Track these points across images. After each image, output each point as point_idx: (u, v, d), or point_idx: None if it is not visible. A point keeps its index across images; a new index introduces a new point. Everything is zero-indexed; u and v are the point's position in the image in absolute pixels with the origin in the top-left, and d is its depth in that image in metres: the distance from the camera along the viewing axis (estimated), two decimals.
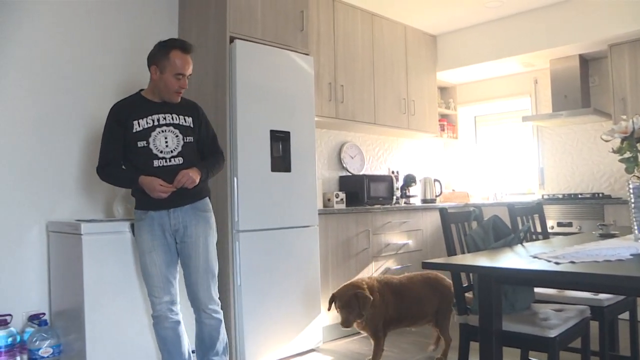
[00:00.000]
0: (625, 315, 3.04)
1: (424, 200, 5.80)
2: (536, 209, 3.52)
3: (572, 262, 1.99)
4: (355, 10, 4.98)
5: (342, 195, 4.74)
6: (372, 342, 3.36)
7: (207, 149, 3.03)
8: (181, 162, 2.84)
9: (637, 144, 2.53)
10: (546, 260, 2.07)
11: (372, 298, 3.21)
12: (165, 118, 2.86)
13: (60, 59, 3.47)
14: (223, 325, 2.98)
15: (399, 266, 4.75)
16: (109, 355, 2.97)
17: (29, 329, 3.15)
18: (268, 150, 3.72)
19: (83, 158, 3.52)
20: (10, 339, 3.04)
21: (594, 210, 4.83)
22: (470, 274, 2.66)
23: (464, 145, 6.59)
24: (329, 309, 3.32)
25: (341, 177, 5.19)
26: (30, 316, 3.21)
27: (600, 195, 5.11)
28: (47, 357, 3.04)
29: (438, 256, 4.57)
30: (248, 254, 3.56)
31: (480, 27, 5.67)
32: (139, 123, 2.82)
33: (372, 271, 4.52)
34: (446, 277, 3.53)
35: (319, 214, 4.05)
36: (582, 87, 5.34)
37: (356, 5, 4.97)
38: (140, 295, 3.10)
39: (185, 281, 2.91)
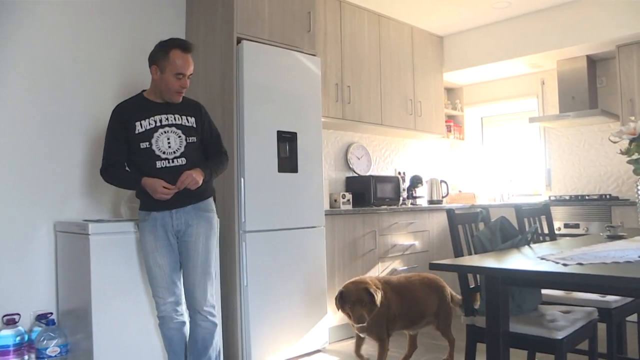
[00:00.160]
0: (633, 317, 3.04)
1: (431, 201, 5.80)
2: (543, 210, 3.51)
3: (580, 264, 1.98)
4: (362, 11, 4.98)
5: (349, 196, 4.74)
6: (376, 343, 3.30)
7: (211, 148, 3.01)
8: (184, 162, 2.82)
9: None
10: (554, 261, 2.06)
11: (380, 292, 3.17)
12: (167, 119, 2.84)
13: (64, 60, 3.49)
14: (218, 331, 2.93)
15: (406, 267, 4.74)
16: (115, 354, 2.98)
17: (37, 328, 3.17)
18: (275, 151, 3.73)
19: (88, 159, 3.53)
20: (18, 338, 3.06)
21: (601, 211, 4.81)
22: (478, 275, 2.65)
23: (470, 146, 6.57)
24: (338, 307, 3.20)
25: (348, 178, 5.19)
26: (38, 315, 3.22)
27: (608, 196, 5.09)
28: (55, 356, 3.05)
29: (444, 257, 4.56)
30: (255, 254, 3.56)
31: (487, 27, 5.66)
32: (141, 124, 2.80)
33: (378, 272, 4.52)
34: (442, 279, 3.53)
35: (325, 214, 4.05)
36: (590, 88, 5.32)
37: (363, 6, 4.97)
38: (147, 295, 3.11)
39: (183, 281, 2.89)
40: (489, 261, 2.25)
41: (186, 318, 2.92)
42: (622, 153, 2.63)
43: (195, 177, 2.76)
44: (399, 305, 3.29)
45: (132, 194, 3.12)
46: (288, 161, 3.81)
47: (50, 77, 3.43)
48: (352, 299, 3.09)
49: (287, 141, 3.81)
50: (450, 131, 6.27)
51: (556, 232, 3.86)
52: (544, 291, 2.81)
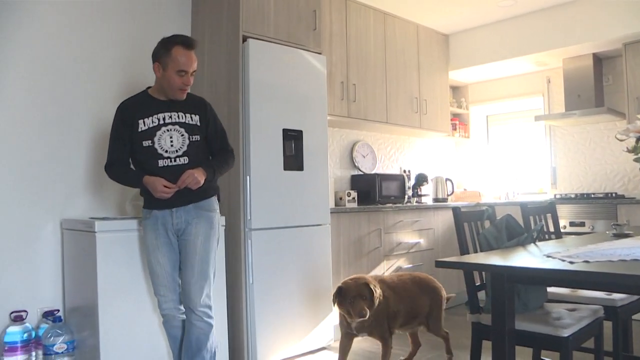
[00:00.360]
0: (639, 316, 3.03)
1: (436, 200, 5.79)
2: (549, 208, 3.51)
3: (587, 262, 1.98)
4: (368, 9, 4.98)
5: (354, 194, 4.75)
6: (379, 342, 3.25)
7: (216, 146, 2.98)
8: (186, 161, 2.79)
9: None
10: (560, 259, 2.07)
11: (379, 289, 3.13)
12: (171, 117, 2.80)
13: (67, 59, 3.50)
14: (213, 333, 2.87)
15: (411, 265, 4.74)
16: (122, 351, 3.00)
17: (44, 325, 3.19)
18: (280, 149, 3.73)
19: (93, 157, 3.55)
20: (26, 335, 3.08)
21: (607, 210, 4.80)
22: (483, 273, 2.65)
23: (475, 144, 6.57)
24: (334, 303, 3.14)
25: (353, 176, 5.20)
26: (45, 312, 3.24)
27: (614, 195, 5.07)
28: (62, 352, 3.07)
29: (449, 255, 4.56)
30: (260, 252, 3.58)
31: (493, 26, 5.65)
32: (144, 122, 2.77)
33: (383, 270, 4.52)
34: (435, 279, 3.50)
35: (330, 212, 4.06)
36: (596, 86, 5.30)
37: (368, 4, 4.97)
38: (152, 292, 3.12)
39: (181, 279, 2.86)
40: (495, 259, 2.25)
41: None
42: (628, 151, 2.63)
43: (197, 177, 2.72)
44: (396, 302, 3.24)
45: (137, 192, 3.14)
46: (294, 159, 3.82)
47: (53, 76, 3.43)
48: (353, 294, 3.04)
49: (292, 139, 3.82)
50: (455, 129, 6.26)
51: (561, 230, 3.86)
52: (549, 289, 2.81)
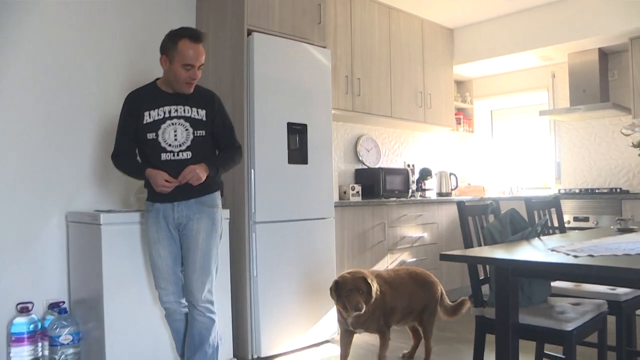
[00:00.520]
0: None
1: (440, 194, 5.80)
2: (553, 203, 3.50)
3: (591, 256, 1.98)
4: (373, 3, 4.97)
5: (358, 187, 4.75)
6: (377, 336, 3.23)
7: (223, 141, 2.93)
8: (189, 156, 2.75)
9: None
10: (565, 253, 2.07)
11: (376, 283, 3.10)
12: (177, 110, 2.77)
13: (73, 52, 3.50)
14: (216, 327, 2.86)
15: (414, 259, 4.75)
16: (127, 343, 3.02)
17: (50, 317, 3.21)
18: (285, 143, 3.74)
19: (98, 150, 3.56)
20: (32, 326, 3.10)
21: (611, 205, 4.79)
22: (487, 267, 2.66)
23: (480, 139, 6.56)
24: (333, 298, 3.09)
25: (357, 170, 5.20)
26: (51, 304, 3.26)
27: (618, 190, 5.07)
28: (67, 343, 3.09)
29: (453, 250, 4.55)
30: (264, 245, 3.59)
31: (498, 20, 5.63)
32: (149, 114, 2.75)
33: (387, 264, 4.53)
34: (432, 274, 3.47)
35: (335, 206, 4.07)
36: (601, 81, 5.29)
37: None
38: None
39: (183, 275, 2.85)
40: (499, 252, 2.25)
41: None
42: (634, 146, 2.63)
43: (198, 173, 2.69)
44: (393, 297, 3.21)
45: (141, 185, 3.14)
46: (298, 153, 3.82)
47: (60, 69, 3.44)
48: (349, 287, 2.99)
49: (297, 133, 3.82)
50: (459, 124, 6.26)
51: (565, 225, 3.85)
52: (553, 284, 2.81)
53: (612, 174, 5.43)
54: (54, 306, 3.24)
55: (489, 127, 6.60)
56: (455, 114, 6.08)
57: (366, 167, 5.29)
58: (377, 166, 5.37)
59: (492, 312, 2.36)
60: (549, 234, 3.34)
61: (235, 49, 3.68)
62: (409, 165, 5.59)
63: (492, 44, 5.67)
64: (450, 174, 5.88)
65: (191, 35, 2.70)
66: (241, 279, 3.57)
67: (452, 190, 5.86)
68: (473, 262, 2.54)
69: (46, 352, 3.17)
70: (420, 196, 5.47)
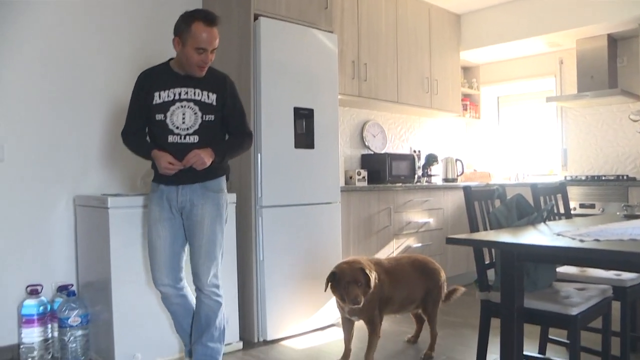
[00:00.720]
0: None
1: (446, 180, 5.80)
2: (559, 189, 3.51)
3: (597, 240, 1.99)
4: None
5: (364, 173, 4.75)
6: (368, 328, 3.10)
7: (233, 127, 2.87)
8: (196, 140, 2.72)
9: None
10: (570, 237, 2.08)
11: (374, 274, 3.01)
12: (187, 93, 2.72)
13: (80, 33, 3.51)
14: (222, 310, 2.86)
15: (420, 244, 4.77)
16: (134, 325, 3.05)
17: (58, 299, 3.25)
18: (292, 127, 3.74)
19: (106, 133, 3.58)
20: (41, 308, 3.14)
21: (617, 192, 4.78)
22: (493, 252, 2.67)
23: (486, 125, 6.54)
24: (325, 289, 3.00)
25: (363, 156, 5.20)
26: (59, 287, 3.30)
27: (625, 177, 5.05)
28: (76, 325, 3.13)
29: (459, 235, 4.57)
30: (271, 229, 3.60)
31: (506, 6, 5.59)
32: (159, 95, 2.71)
33: (393, 249, 4.55)
34: (434, 261, 3.42)
35: (341, 191, 4.07)
36: (610, 67, 5.25)
37: None
38: None
39: (189, 257, 2.83)
40: (505, 236, 2.26)
41: (188, 291, 2.88)
42: None
43: (203, 157, 2.65)
44: (391, 288, 3.12)
45: (148, 169, 3.16)
46: (304, 137, 3.83)
47: (66, 51, 3.46)
48: (347, 279, 2.89)
49: (303, 117, 3.82)
50: (466, 110, 6.24)
51: (571, 212, 3.85)
52: (558, 269, 2.82)
53: (619, 160, 5.41)
54: (62, 289, 3.28)
55: (496, 114, 6.58)
56: (462, 100, 6.06)
57: (372, 152, 5.29)
58: (383, 152, 5.37)
59: (497, 296, 2.37)
60: (554, 220, 3.34)
61: (242, 34, 3.67)
62: (415, 151, 5.59)
63: (499, 30, 5.63)
64: (456, 160, 5.88)
65: (205, 17, 2.63)
66: (247, 263, 3.60)
67: (458, 176, 5.86)
68: (479, 246, 2.55)
69: (55, 334, 3.21)
70: (426, 182, 5.47)
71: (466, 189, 2.73)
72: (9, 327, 3.19)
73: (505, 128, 6.51)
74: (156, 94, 2.72)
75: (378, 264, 3.16)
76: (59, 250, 3.41)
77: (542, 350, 3.12)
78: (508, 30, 5.55)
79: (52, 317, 3.21)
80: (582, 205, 4.97)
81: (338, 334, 3.81)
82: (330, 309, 3.92)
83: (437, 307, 3.35)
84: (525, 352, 2.37)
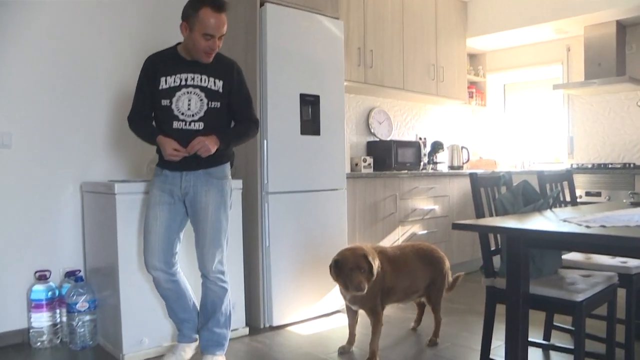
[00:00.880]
0: None
1: (451, 167, 5.80)
2: (565, 176, 3.50)
3: (603, 226, 1.99)
4: None
5: (370, 160, 4.76)
6: (370, 317, 3.05)
7: (239, 114, 2.86)
8: (201, 127, 2.71)
9: None
10: (577, 223, 2.08)
11: (377, 261, 3.00)
12: (193, 79, 2.71)
13: (86, 20, 3.52)
14: (228, 296, 2.88)
15: (425, 231, 4.78)
16: (141, 310, 3.07)
17: (66, 285, 3.28)
18: (298, 114, 3.74)
19: (113, 119, 3.59)
20: (50, 293, 3.18)
21: (624, 180, 4.76)
22: (499, 238, 2.67)
23: (492, 112, 6.52)
24: (332, 276, 2.95)
25: (369, 142, 5.20)
26: (67, 272, 3.33)
27: (632, 165, 5.03)
28: (84, 311, 3.16)
29: None
30: (277, 215, 3.62)
31: None
32: (166, 80, 2.70)
33: (398, 236, 4.56)
34: (439, 249, 3.40)
35: (346, 177, 4.08)
36: (618, 54, 5.20)
37: None
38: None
39: (195, 244, 2.84)
40: (511, 222, 2.26)
41: (180, 276, 2.88)
42: None
43: (207, 144, 2.65)
44: (393, 275, 3.10)
45: (154, 156, 3.17)
46: (311, 124, 3.82)
47: (73, 38, 3.46)
48: (350, 266, 2.86)
49: (309, 104, 3.82)
50: (472, 97, 6.22)
51: (577, 200, 3.84)
52: (563, 256, 2.82)
53: (626, 149, 5.39)
54: (70, 274, 3.31)
55: (502, 101, 6.55)
56: (468, 87, 6.04)
57: (378, 139, 5.29)
58: (388, 139, 5.36)
59: (502, 282, 2.38)
60: (560, 207, 3.34)
61: (248, 20, 3.66)
62: (420, 138, 5.58)
63: (506, 17, 5.59)
64: (462, 147, 5.86)
65: (213, 3, 2.60)
66: (253, 249, 3.61)
67: (463, 163, 5.85)
68: (485, 232, 2.56)
69: (64, 319, 3.25)
70: (432, 169, 5.47)
71: (472, 175, 2.73)
72: (18, 312, 3.23)
73: (512, 116, 6.49)
74: (162, 79, 2.71)
75: (382, 252, 3.14)
76: (66, 236, 3.43)
77: (547, 336, 3.13)
78: (515, 17, 5.51)
79: (60, 302, 3.24)
80: (588, 194, 4.95)
81: (343, 320, 3.82)
82: (335, 295, 3.94)
83: (441, 296, 3.35)
84: (530, 339, 2.38)
